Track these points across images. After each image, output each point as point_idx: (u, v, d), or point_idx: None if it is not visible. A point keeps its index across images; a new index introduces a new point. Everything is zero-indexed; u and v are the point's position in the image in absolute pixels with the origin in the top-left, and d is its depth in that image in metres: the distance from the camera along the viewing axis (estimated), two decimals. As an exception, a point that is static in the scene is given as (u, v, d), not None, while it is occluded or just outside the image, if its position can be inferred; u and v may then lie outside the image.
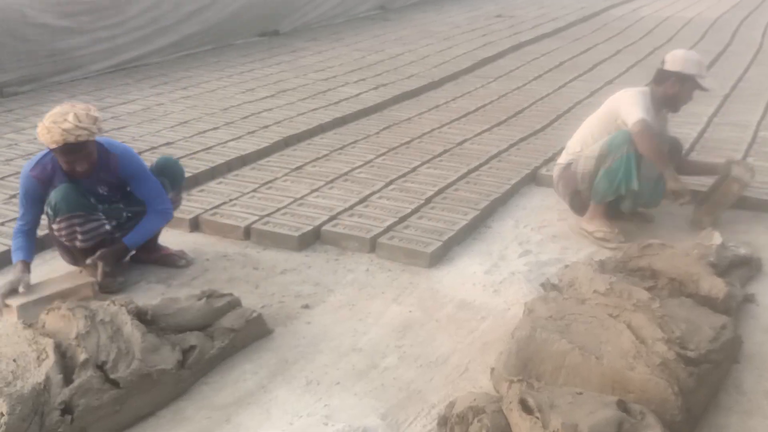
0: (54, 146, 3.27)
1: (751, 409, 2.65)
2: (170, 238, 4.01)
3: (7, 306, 3.23)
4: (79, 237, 3.48)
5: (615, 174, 3.89)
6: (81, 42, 8.07)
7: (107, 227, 3.58)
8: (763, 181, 4.59)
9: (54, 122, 3.23)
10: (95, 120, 3.32)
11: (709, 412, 2.62)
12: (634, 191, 3.93)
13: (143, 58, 8.79)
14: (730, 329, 2.84)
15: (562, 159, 4.24)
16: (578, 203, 4.17)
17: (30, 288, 3.31)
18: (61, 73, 7.90)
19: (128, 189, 3.67)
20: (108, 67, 8.36)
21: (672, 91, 4.02)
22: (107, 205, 3.61)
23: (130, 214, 3.66)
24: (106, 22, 8.31)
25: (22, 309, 3.17)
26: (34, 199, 3.48)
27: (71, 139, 3.24)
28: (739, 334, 2.93)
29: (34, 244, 3.54)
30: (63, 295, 3.21)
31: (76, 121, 3.23)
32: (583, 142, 4.12)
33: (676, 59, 4.01)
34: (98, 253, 3.52)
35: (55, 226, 3.49)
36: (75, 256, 3.62)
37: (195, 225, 4.22)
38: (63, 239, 3.51)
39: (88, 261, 3.51)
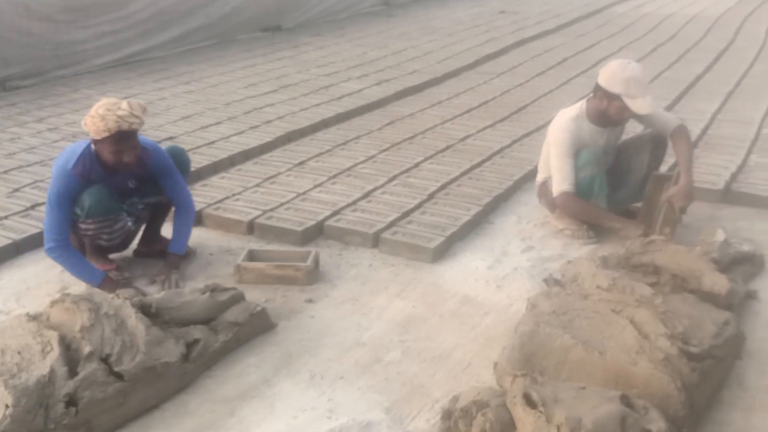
0: (106, 134, 3.26)
1: (754, 406, 2.65)
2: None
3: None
4: (105, 237, 3.50)
5: (581, 192, 3.89)
6: (84, 36, 8.07)
7: (130, 224, 3.61)
8: (766, 177, 4.59)
9: (108, 110, 3.24)
10: (144, 110, 3.36)
11: (712, 408, 2.62)
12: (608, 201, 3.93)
13: (146, 52, 8.79)
14: (733, 325, 2.85)
15: (539, 177, 4.22)
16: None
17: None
18: (64, 67, 7.90)
19: (152, 183, 3.66)
20: (111, 61, 8.37)
21: (601, 106, 3.81)
22: (130, 199, 3.63)
23: (142, 207, 3.69)
24: (109, 17, 8.31)
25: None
26: (72, 199, 3.41)
27: (125, 126, 3.26)
28: (741, 330, 2.93)
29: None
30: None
31: (130, 109, 3.26)
32: (543, 161, 4.14)
33: (605, 73, 3.77)
34: (162, 273, 3.56)
35: (82, 226, 3.47)
36: (89, 249, 3.63)
37: (198, 219, 4.21)
38: (87, 238, 3.51)
39: (163, 284, 3.50)
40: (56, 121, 6.18)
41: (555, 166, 3.89)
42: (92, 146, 3.42)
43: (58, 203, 3.40)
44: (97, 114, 3.26)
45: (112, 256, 3.73)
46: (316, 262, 3.64)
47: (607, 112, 3.81)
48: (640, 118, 3.93)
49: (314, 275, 3.58)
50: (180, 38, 9.23)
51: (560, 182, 3.87)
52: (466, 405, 2.29)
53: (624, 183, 4.11)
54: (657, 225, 3.74)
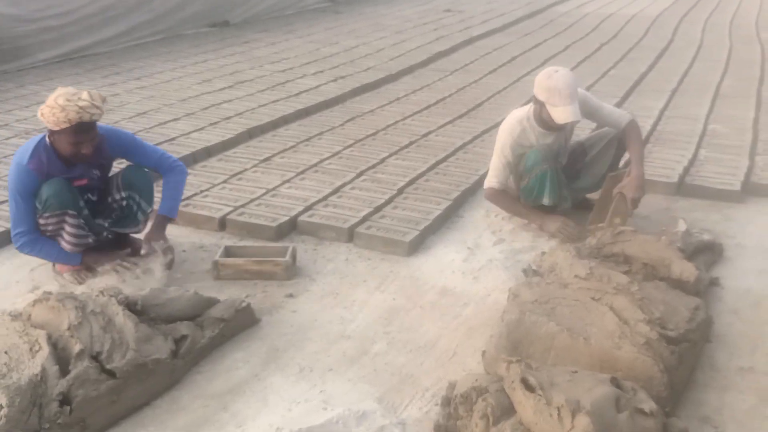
0: (66, 125, 3.15)
1: (726, 385, 2.80)
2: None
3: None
4: (66, 238, 3.38)
5: (531, 191, 4.01)
6: (28, 30, 7.83)
7: (90, 241, 3.47)
8: (718, 171, 4.82)
9: (68, 100, 3.12)
10: (104, 100, 3.27)
11: (689, 388, 2.76)
12: (559, 198, 4.04)
13: (91, 47, 8.61)
14: (703, 310, 3.00)
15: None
16: None
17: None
18: (8, 62, 7.65)
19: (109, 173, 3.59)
20: (56, 56, 8.16)
21: (536, 111, 3.94)
22: (96, 197, 3.55)
23: (111, 236, 3.59)
24: (54, 11, 8.08)
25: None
26: (32, 194, 3.30)
27: (86, 117, 3.15)
28: (710, 315, 3.09)
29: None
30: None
31: (90, 99, 3.16)
32: None
33: (537, 79, 3.87)
34: (146, 237, 3.49)
35: (41, 221, 3.35)
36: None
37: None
38: (48, 233, 3.39)
39: (143, 252, 3.47)
40: (5, 118, 6.00)
41: (492, 162, 4.09)
42: (47, 139, 3.31)
43: (19, 198, 3.30)
44: (56, 104, 3.13)
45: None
46: (294, 257, 3.66)
47: (542, 116, 3.92)
48: (589, 117, 4.06)
49: (293, 270, 3.59)
50: (126, 33, 9.05)
51: (490, 178, 4.09)
52: (466, 391, 2.36)
53: (587, 173, 4.24)
54: (608, 216, 3.86)
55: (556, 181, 3.99)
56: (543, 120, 3.94)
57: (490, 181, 4.09)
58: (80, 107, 3.13)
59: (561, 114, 3.79)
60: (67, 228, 3.37)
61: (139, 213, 3.60)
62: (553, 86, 3.77)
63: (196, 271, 3.66)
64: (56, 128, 3.20)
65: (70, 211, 3.35)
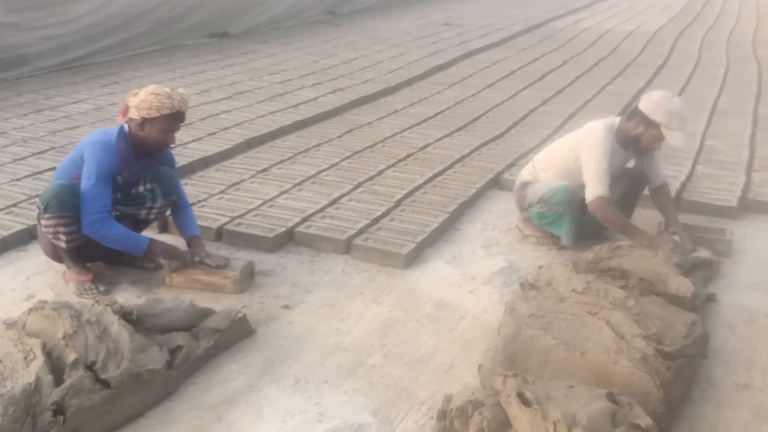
0: (167, 112, 3.36)
1: (722, 401, 2.80)
2: (141, 239, 3.96)
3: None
4: (63, 238, 3.39)
5: (546, 221, 4.04)
6: (27, 39, 7.84)
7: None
8: (715, 187, 4.84)
9: (172, 90, 3.41)
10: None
11: (685, 404, 2.76)
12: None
13: (90, 56, 8.60)
14: (699, 326, 3.01)
15: (526, 174, 4.26)
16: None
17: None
18: (6, 70, 7.65)
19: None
20: (54, 65, 8.15)
21: (636, 131, 3.89)
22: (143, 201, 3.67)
23: (117, 214, 3.61)
24: (53, 20, 8.10)
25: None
26: (112, 175, 3.42)
27: (185, 108, 3.45)
28: (707, 331, 3.09)
29: None
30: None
31: (186, 94, 3.47)
32: (547, 164, 4.15)
33: (649, 100, 3.86)
34: (199, 252, 3.58)
35: (43, 222, 3.39)
36: (59, 252, 3.52)
37: (164, 226, 4.16)
38: (49, 236, 3.42)
39: (173, 266, 3.53)
40: (3, 126, 5.98)
41: (591, 171, 3.84)
42: (126, 130, 3.46)
43: (101, 177, 3.35)
44: (162, 92, 3.37)
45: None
46: (251, 271, 3.62)
47: (640, 137, 3.88)
48: (651, 154, 4.06)
49: (246, 284, 3.56)
50: (125, 43, 9.05)
51: (596, 186, 3.81)
52: (462, 404, 2.35)
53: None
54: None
55: (574, 224, 4.01)
56: (630, 140, 3.93)
57: (599, 191, 3.79)
58: (182, 97, 3.44)
59: (677, 138, 3.81)
60: (61, 229, 3.39)
61: (149, 200, 3.67)
62: (675, 110, 3.79)
63: (192, 281, 3.64)
64: (157, 114, 3.37)
65: (67, 213, 3.37)
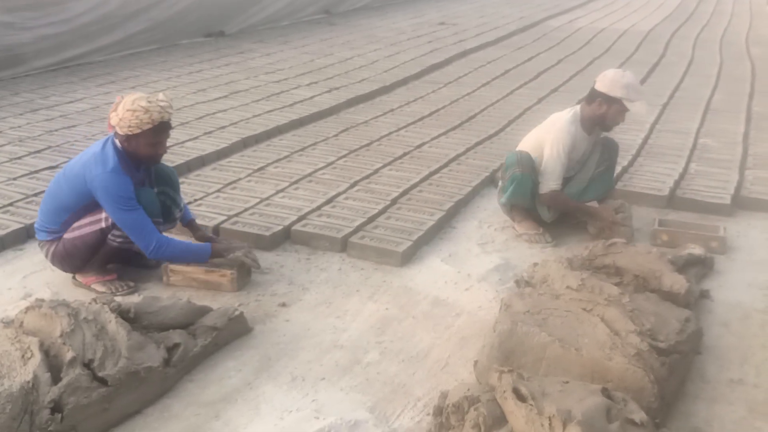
0: (148, 127, 3.24)
1: (716, 397, 2.82)
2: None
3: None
4: (119, 240, 3.43)
5: (510, 195, 4.15)
6: (23, 38, 7.84)
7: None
8: (708, 184, 4.86)
9: (149, 102, 3.24)
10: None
11: (679, 399, 2.78)
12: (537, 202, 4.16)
13: (87, 56, 8.61)
14: (693, 322, 3.03)
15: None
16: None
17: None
18: (2, 69, 7.65)
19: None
20: (51, 64, 8.16)
21: (600, 111, 4.04)
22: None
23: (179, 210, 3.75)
24: (49, 19, 8.10)
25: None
26: (135, 197, 3.36)
27: (167, 117, 3.31)
28: (700, 327, 3.11)
29: None
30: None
31: (167, 99, 3.30)
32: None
33: (605, 80, 4.01)
34: (234, 248, 3.56)
35: (116, 231, 3.38)
36: (85, 263, 3.50)
37: (161, 224, 4.17)
38: (115, 243, 3.41)
39: (250, 257, 3.57)
40: (-1, 125, 5.99)
41: (549, 167, 4.08)
42: (117, 144, 3.36)
43: (129, 204, 3.32)
44: (138, 107, 3.22)
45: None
46: (249, 270, 3.63)
47: (605, 115, 4.04)
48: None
49: (243, 282, 3.57)
50: (121, 42, 9.06)
51: (550, 182, 4.09)
52: (458, 400, 2.37)
53: (575, 180, 4.31)
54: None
55: (531, 186, 4.10)
56: (596, 122, 4.10)
57: (551, 185, 4.09)
58: (162, 107, 3.27)
59: (640, 107, 3.99)
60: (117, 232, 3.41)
61: (173, 208, 3.68)
62: (630, 83, 3.97)
63: (189, 279, 3.66)
64: (137, 131, 3.26)
65: (157, 219, 3.52)
